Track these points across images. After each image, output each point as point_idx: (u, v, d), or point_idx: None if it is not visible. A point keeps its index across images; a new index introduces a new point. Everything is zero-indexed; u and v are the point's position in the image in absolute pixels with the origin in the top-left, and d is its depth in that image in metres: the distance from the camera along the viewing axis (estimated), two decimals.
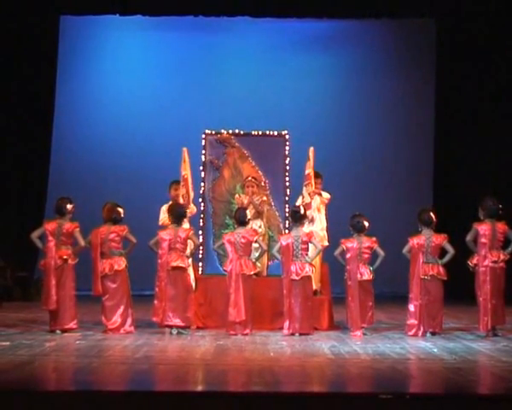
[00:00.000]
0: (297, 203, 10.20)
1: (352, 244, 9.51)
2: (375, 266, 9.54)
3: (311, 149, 10.36)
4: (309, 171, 10.31)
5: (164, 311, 9.30)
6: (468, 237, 9.36)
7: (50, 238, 9.39)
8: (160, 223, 10.27)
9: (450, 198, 15.24)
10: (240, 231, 9.62)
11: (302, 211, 9.66)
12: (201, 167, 10.82)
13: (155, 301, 9.42)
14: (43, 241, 9.50)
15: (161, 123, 15.96)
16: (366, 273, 9.46)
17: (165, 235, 9.48)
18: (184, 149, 10.36)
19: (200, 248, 10.48)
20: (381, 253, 9.52)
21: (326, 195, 10.58)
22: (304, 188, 10.31)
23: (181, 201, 10.13)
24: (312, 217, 10.33)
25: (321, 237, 10.31)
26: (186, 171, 10.28)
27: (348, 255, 9.49)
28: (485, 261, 9.22)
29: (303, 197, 10.30)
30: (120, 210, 9.60)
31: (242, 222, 9.67)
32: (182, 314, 9.33)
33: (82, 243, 9.46)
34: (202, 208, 10.73)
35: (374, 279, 9.52)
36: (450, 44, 15.35)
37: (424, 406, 5.70)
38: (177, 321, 9.32)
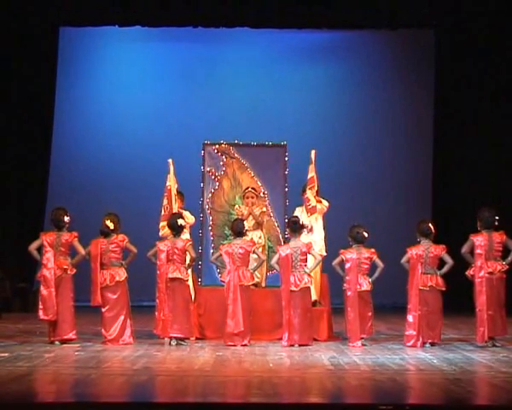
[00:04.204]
0: (294, 214, 10.20)
1: (351, 255, 9.50)
2: (373, 277, 9.54)
3: (313, 151, 10.36)
4: (312, 174, 10.31)
5: (163, 322, 9.30)
6: (464, 249, 9.36)
7: (49, 249, 9.38)
8: (161, 234, 10.27)
9: (450, 199, 15.26)
10: (237, 242, 9.61)
11: (301, 222, 9.66)
12: (201, 178, 10.84)
13: (156, 313, 9.42)
14: (40, 252, 9.49)
15: (160, 133, 15.96)
16: (365, 284, 9.46)
17: (162, 246, 9.47)
18: (170, 161, 10.38)
19: (200, 262, 10.47)
20: (381, 264, 9.52)
21: (325, 202, 10.57)
22: (308, 191, 10.29)
23: (162, 212, 10.14)
24: (311, 226, 10.32)
25: (320, 246, 10.29)
26: (170, 182, 10.31)
27: (348, 266, 9.48)
28: (481, 272, 9.21)
29: (308, 201, 10.28)
30: (107, 222, 9.51)
31: (240, 233, 9.67)
32: (181, 325, 9.32)
33: (82, 251, 9.45)
34: (201, 219, 10.73)
35: (373, 290, 9.53)
36: (450, 45, 15.39)
37: None
38: (177, 332, 9.31)
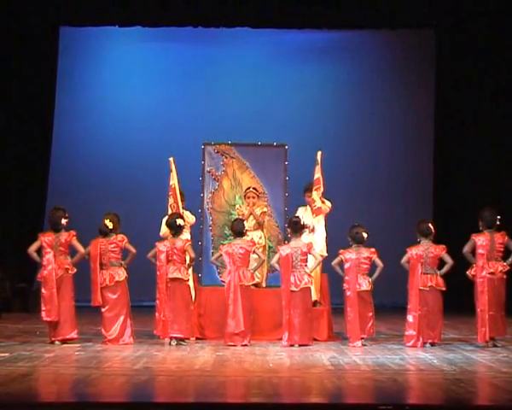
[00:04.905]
0: (297, 214, 10.20)
1: (350, 255, 9.50)
2: (373, 277, 9.53)
3: (320, 152, 10.36)
4: (318, 175, 10.31)
5: (163, 322, 9.30)
6: (465, 249, 9.36)
7: (48, 250, 9.36)
8: (161, 234, 10.27)
9: (450, 199, 15.26)
10: (237, 242, 9.61)
11: (301, 222, 9.66)
12: (201, 178, 10.84)
13: (156, 314, 9.42)
14: (40, 254, 9.48)
15: (160, 133, 15.94)
16: (364, 284, 9.46)
17: (162, 247, 9.47)
18: (171, 160, 10.38)
19: (200, 258, 10.47)
20: (380, 264, 9.52)
21: (328, 203, 10.56)
22: (314, 192, 10.29)
23: (169, 211, 10.13)
24: (313, 226, 10.32)
25: (321, 247, 10.29)
26: (174, 181, 10.29)
27: (347, 266, 9.48)
28: (482, 272, 9.21)
29: (313, 201, 10.28)
30: (106, 222, 9.52)
31: (240, 233, 9.67)
32: (181, 325, 9.32)
33: (82, 250, 9.43)
34: (201, 219, 10.73)
35: (373, 290, 9.53)
36: (450, 45, 15.39)
37: None
38: (177, 332, 9.31)
